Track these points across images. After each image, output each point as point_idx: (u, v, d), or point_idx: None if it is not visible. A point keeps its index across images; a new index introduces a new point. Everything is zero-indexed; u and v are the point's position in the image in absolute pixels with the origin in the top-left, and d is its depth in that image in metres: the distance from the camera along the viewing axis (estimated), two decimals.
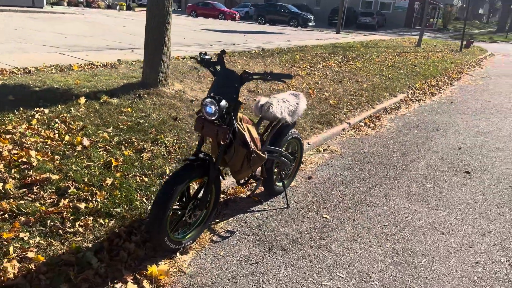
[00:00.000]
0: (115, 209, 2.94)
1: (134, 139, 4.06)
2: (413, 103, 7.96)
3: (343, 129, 5.80)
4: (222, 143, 2.70)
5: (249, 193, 3.64)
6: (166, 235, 2.61)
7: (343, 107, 6.46)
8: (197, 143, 4.16)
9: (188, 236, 2.81)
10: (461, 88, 9.90)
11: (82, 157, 3.55)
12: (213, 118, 2.63)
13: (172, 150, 3.99)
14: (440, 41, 24.20)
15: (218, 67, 2.83)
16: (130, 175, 3.41)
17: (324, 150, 4.97)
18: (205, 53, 2.92)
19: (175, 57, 8.11)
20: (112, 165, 3.48)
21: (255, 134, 3.02)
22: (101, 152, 3.72)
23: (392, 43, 18.11)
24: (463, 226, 3.29)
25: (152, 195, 3.18)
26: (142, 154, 3.80)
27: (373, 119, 6.50)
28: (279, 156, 3.41)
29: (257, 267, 2.66)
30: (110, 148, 3.83)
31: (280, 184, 3.69)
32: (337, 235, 3.07)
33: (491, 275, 2.66)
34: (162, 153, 3.89)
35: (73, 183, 3.13)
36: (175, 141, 4.20)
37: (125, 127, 4.33)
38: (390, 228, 3.21)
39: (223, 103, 2.61)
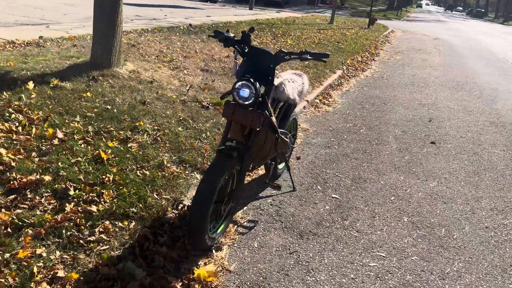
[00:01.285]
0: (131, 209, 2.60)
1: (112, 128, 3.62)
2: (350, 79, 8.30)
3: (304, 107, 5.84)
4: (257, 129, 2.51)
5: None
6: (207, 233, 2.39)
7: None
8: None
9: (219, 230, 2.61)
10: (384, 64, 10.58)
11: (64, 152, 3.06)
12: (247, 102, 2.42)
13: (158, 138, 3.64)
14: (346, 19, 25.53)
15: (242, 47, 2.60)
16: (127, 169, 3.04)
17: (301, 129, 4.95)
18: (228, 31, 2.66)
19: None
20: (104, 159, 3.07)
21: (273, 117, 2.88)
22: (83, 145, 3.25)
23: (307, 20, 18.63)
24: (457, 194, 3.55)
25: (161, 190, 2.87)
26: (129, 145, 3.41)
27: (325, 96, 6.65)
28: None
29: (299, 255, 2.57)
30: (90, 139, 3.37)
31: (280, 166, 3.60)
32: (355, 214, 3.10)
33: (503, 238, 2.92)
34: (149, 142, 3.53)
35: (71, 184, 2.69)
36: (155, 127, 3.84)
37: (93, 114, 3.84)
38: (398, 203, 3.33)
39: (259, 86, 2.42)
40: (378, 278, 2.40)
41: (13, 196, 2.47)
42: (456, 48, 15.50)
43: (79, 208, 2.49)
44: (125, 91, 4.61)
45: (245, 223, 2.88)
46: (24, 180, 2.61)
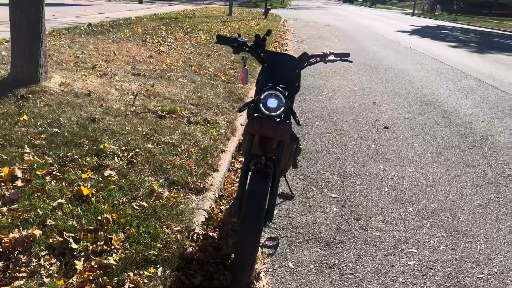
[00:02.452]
0: (150, 252, 2.21)
1: (75, 156, 3.07)
2: None
3: None
4: (286, 141, 2.29)
5: None
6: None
7: (235, 80, 6.28)
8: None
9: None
10: (296, 53, 10.84)
11: (36, 195, 2.49)
12: (276, 113, 2.19)
13: (133, 161, 3.19)
14: (240, 9, 25.67)
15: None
16: (120, 204, 2.59)
17: None
18: (239, 35, 2.37)
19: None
20: (89, 195, 2.57)
21: None
22: (53, 182, 2.69)
23: (205, 13, 18.27)
24: (437, 176, 3.74)
25: (168, 221, 2.50)
26: (105, 173, 2.92)
27: None
28: None
29: (340, 268, 2.45)
30: (58, 174, 2.80)
31: None
32: (364, 212, 3.07)
33: (500, 212, 3.14)
34: (124, 167, 3.07)
35: (67, 234, 2.19)
36: (122, 147, 3.36)
37: (43, 142, 3.24)
38: (394, 193, 3.39)
39: (285, 95, 2.20)
40: (424, 276, 2.38)
41: (2, 264, 1.92)
42: (349, 32, 16.59)
43: (93, 264, 2.03)
44: (65, 109, 3.96)
45: (266, 242, 2.66)
46: (6, 240, 2.04)
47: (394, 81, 7.57)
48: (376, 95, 6.57)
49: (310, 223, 2.89)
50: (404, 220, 2.97)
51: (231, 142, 4.01)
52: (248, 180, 2.24)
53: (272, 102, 2.17)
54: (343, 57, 2.36)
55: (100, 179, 2.83)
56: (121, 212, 2.49)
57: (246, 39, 2.35)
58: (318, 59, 2.31)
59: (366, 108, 5.84)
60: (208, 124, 4.27)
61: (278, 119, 2.22)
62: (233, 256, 2.21)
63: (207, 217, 2.78)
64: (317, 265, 2.46)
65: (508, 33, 22.91)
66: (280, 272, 2.38)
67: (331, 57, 2.31)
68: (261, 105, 2.19)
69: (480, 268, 2.47)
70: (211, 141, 3.85)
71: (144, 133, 3.74)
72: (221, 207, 2.97)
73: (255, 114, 2.24)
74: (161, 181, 2.99)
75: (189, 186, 3.00)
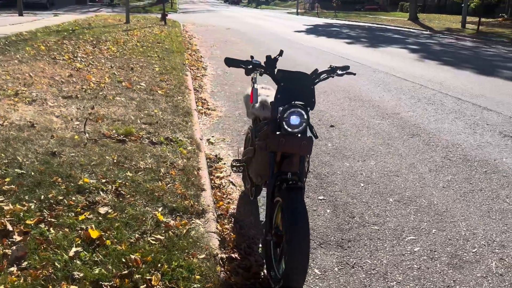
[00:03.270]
0: (194, 286, 2.15)
1: (60, 197, 2.81)
2: (202, 78, 8.30)
3: (200, 116, 5.63)
4: (308, 155, 2.40)
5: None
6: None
7: (173, 93, 6.16)
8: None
9: None
10: (213, 59, 10.89)
11: (42, 247, 2.25)
12: (298, 129, 2.28)
13: (122, 192, 3.01)
14: (133, 16, 24.70)
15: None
16: (135, 241, 2.45)
17: (217, 141, 4.78)
18: (252, 57, 2.40)
19: None
20: (101, 238, 2.39)
21: None
22: (52, 230, 2.43)
23: (101, 23, 17.26)
24: (397, 166, 4.14)
25: (192, 250, 2.45)
26: (100, 211, 2.73)
27: (203, 101, 6.53)
28: None
29: (361, 266, 2.63)
30: (52, 220, 2.54)
31: None
32: (354, 209, 3.30)
33: (461, 191, 3.61)
34: (117, 201, 2.89)
35: (105, 284, 2.02)
36: (102, 180, 3.15)
37: (12, 187, 2.91)
38: (370, 187, 3.68)
39: (307, 111, 2.31)
40: (433, 259, 2.67)
41: None
42: (252, 35, 17.08)
43: None
44: (16, 145, 3.55)
45: None
46: None
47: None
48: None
49: (314, 227, 3.02)
50: (391, 211, 3.26)
51: (201, 158, 3.97)
52: (279, 199, 2.28)
53: (295, 120, 2.24)
54: (346, 70, 2.52)
55: (100, 218, 2.63)
56: (142, 250, 2.36)
57: (259, 61, 2.38)
58: (326, 74, 2.44)
59: None
60: (172, 143, 4.15)
61: (299, 134, 2.31)
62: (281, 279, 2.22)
63: (220, 239, 2.75)
64: (340, 267, 2.60)
65: (385, 26, 25.65)
66: (311, 281, 2.47)
67: (338, 72, 2.46)
68: (284, 123, 2.25)
69: (471, 243, 2.85)
70: (185, 160, 3.77)
71: (115, 161, 3.52)
72: (225, 226, 2.96)
73: (277, 132, 2.30)
74: (160, 210, 2.87)
75: (189, 211, 2.93)
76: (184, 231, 2.64)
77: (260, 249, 2.78)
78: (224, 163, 4.16)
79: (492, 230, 2.99)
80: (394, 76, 8.55)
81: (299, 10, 43.47)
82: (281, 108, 2.28)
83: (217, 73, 8.86)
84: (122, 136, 4.12)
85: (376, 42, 15.59)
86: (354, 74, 2.56)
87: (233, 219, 3.10)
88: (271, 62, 2.37)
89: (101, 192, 2.96)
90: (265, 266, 2.55)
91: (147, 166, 3.51)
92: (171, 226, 2.68)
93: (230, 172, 3.93)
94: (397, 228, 3.03)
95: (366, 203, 3.38)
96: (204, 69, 9.36)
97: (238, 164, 3.17)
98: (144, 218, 2.70)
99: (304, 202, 2.18)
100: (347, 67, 2.53)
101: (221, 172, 3.95)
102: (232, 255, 2.60)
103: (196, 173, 3.56)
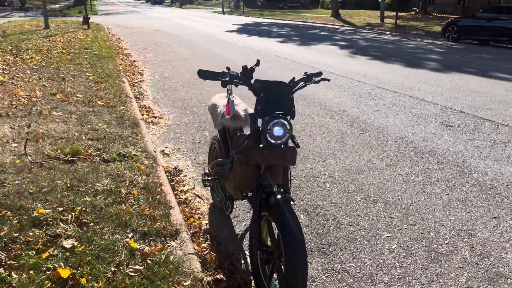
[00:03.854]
0: None
1: (13, 233, 2.49)
2: (141, 84, 7.95)
3: (147, 125, 5.36)
4: (292, 166, 2.34)
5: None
6: None
7: (114, 103, 5.81)
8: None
9: None
10: (148, 63, 10.47)
11: None
12: (281, 141, 2.22)
13: (85, 221, 2.74)
14: (52, 21, 23.04)
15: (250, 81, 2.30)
16: (113, 275, 2.24)
17: (172, 151, 4.58)
18: (228, 68, 2.28)
19: None
20: (74, 276, 2.15)
21: None
22: (13, 274, 2.14)
23: (17, 29, 15.85)
24: (356, 164, 4.23)
25: (176, 277, 2.29)
26: (64, 245, 2.46)
27: (147, 108, 6.24)
28: None
29: (346, 270, 2.63)
30: (10, 261, 2.24)
31: None
32: (326, 211, 3.31)
33: (420, 183, 3.77)
34: (81, 231, 2.63)
35: None
36: (59, 209, 2.86)
37: None
38: (336, 187, 3.71)
39: (290, 120, 2.25)
40: (411, 255, 2.75)
41: None
42: (184, 36, 16.71)
43: None
44: None
45: None
46: None
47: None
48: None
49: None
50: (362, 210, 3.32)
51: (161, 173, 3.76)
52: (266, 213, 2.20)
53: (278, 131, 2.17)
54: (320, 76, 2.49)
55: (67, 253, 2.36)
56: (123, 284, 2.15)
57: (237, 72, 2.27)
58: (303, 82, 2.39)
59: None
60: (126, 159, 3.89)
61: (282, 146, 2.24)
62: None
63: (200, 260, 2.60)
64: (327, 274, 2.58)
65: (311, 24, 26.47)
66: None
67: (314, 78, 2.42)
68: (267, 135, 2.17)
69: (442, 235, 2.97)
70: (144, 177, 3.55)
71: (68, 185, 3.20)
72: (203, 245, 2.81)
73: (260, 145, 2.21)
74: (131, 236, 2.65)
75: (162, 233, 2.75)
76: (163, 257, 2.46)
77: (243, 265, 2.68)
78: (185, 175, 3.98)
79: (458, 219, 3.15)
80: (332, 74, 8.80)
81: (225, 9, 43.43)
82: (262, 120, 2.19)
83: (156, 78, 8.54)
84: (69, 156, 3.78)
85: (307, 40, 16.00)
86: (329, 80, 2.54)
87: (208, 235, 2.96)
88: (247, 72, 2.28)
89: (61, 223, 2.67)
90: (252, 283, 2.46)
91: (105, 187, 3.24)
92: (147, 253, 2.48)
93: (194, 185, 3.78)
94: (371, 227, 3.08)
95: (336, 204, 3.40)
96: (140, 74, 8.97)
97: (210, 178, 3.04)
98: (116, 248, 2.48)
99: (296, 215, 2.11)
100: (320, 73, 2.51)
101: (184, 186, 3.77)
102: (217, 276, 2.47)
103: (159, 190, 3.35)
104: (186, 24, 23.65)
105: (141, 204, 3.06)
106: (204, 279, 2.37)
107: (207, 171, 3.26)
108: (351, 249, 2.82)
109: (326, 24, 26.48)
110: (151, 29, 19.69)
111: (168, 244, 2.65)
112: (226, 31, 19.46)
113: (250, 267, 2.60)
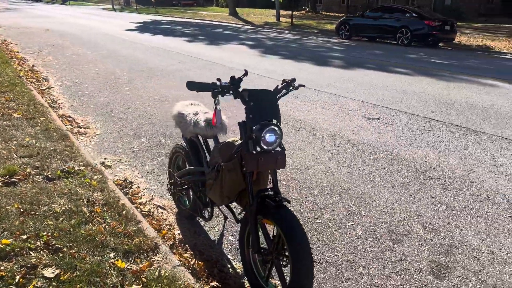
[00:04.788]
0: None
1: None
2: (48, 92, 7.32)
3: (76, 136, 5.02)
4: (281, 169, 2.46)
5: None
6: None
7: (31, 114, 5.32)
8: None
9: None
10: (50, 67, 9.60)
11: None
12: (273, 146, 2.34)
13: (58, 246, 2.56)
14: None
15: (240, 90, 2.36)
16: None
17: (114, 163, 4.37)
18: (219, 80, 2.30)
19: None
20: None
21: None
22: None
23: None
24: (303, 160, 4.48)
25: None
26: (46, 275, 2.29)
27: (68, 118, 5.81)
28: None
29: (327, 261, 2.84)
30: None
31: None
32: (296, 208, 3.49)
33: (364, 172, 4.14)
34: (58, 258, 2.45)
35: None
36: (22, 237, 2.62)
37: None
38: (292, 184, 3.92)
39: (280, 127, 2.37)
40: (377, 239, 3.06)
41: None
42: (82, 36, 15.59)
43: None
44: None
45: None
46: None
47: (182, 82, 7.96)
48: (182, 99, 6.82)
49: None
50: (322, 203, 3.56)
51: (113, 186, 3.61)
52: (260, 217, 2.30)
53: (271, 137, 2.28)
54: (295, 81, 2.64)
55: (54, 283, 2.19)
56: None
57: (227, 82, 2.31)
58: (285, 90, 2.51)
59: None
60: (72, 175, 3.64)
61: (272, 151, 2.35)
62: None
63: (190, 270, 2.60)
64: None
65: (211, 22, 26.56)
66: None
67: (294, 85, 2.55)
68: (261, 141, 2.26)
69: (396, 218, 3.34)
70: (100, 192, 3.37)
71: (21, 210, 2.92)
72: (185, 255, 2.80)
73: (253, 152, 2.29)
74: (113, 255, 2.54)
75: (143, 249, 2.68)
76: (156, 272, 2.41)
77: (230, 270, 2.73)
78: (138, 187, 3.85)
79: (404, 203, 3.57)
80: (253, 74, 9.04)
81: (115, 6, 41.35)
82: (253, 127, 2.27)
83: (65, 84, 7.93)
84: (6, 178, 3.41)
85: (214, 39, 16.08)
86: (304, 86, 2.69)
87: (187, 245, 2.94)
88: (236, 82, 2.33)
89: (31, 252, 2.45)
90: (246, 285, 2.54)
91: (64, 208, 3.02)
92: (137, 271, 2.41)
93: (152, 196, 3.68)
94: (334, 217, 3.33)
95: (298, 200, 3.60)
96: (45, 80, 8.24)
97: (183, 188, 3.02)
98: (104, 270, 2.36)
99: (295, 215, 2.24)
100: (295, 80, 2.65)
101: (141, 198, 3.65)
102: (213, 284, 2.49)
103: (121, 205, 3.22)
104: (80, 23, 22.05)
105: (110, 221, 2.92)
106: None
107: (173, 180, 3.22)
108: (324, 240, 3.03)
109: (226, 22, 26.81)
110: (41, 28, 18.00)
111: (153, 259, 2.59)
112: (127, 30, 18.63)
113: (238, 271, 2.67)
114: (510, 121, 5.87)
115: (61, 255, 2.46)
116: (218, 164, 2.56)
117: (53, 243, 2.55)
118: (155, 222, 3.22)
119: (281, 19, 28.65)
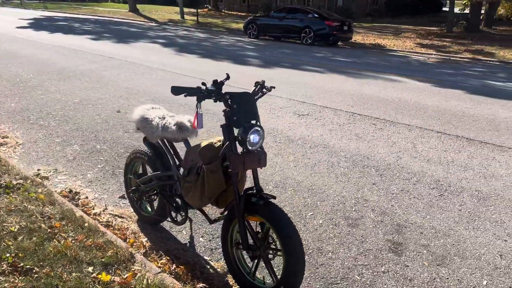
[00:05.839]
0: None
1: None
2: None
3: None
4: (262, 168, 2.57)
5: None
6: None
7: None
8: None
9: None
10: None
11: None
12: (256, 147, 2.45)
13: (28, 266, 2.37)
14: None
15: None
16: None
17: (49, 173, 4.07)
18: (204, 84, 2.32)
19: None
20: None
21: None
22: None
23: None
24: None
25: None
26: None
27: None
28: None
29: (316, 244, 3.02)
30: None
31: None
32: None
33: (308, 164, 4.41)
34: (30, 279, 2.29)
35: None
36: None
37: None
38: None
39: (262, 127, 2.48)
40: (337, 225, 3.33)
41: None
42: None
43: None
44: None
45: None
46: None
47: (100, 84, 7.55)
48: (115, 102, 6.51)
49: None
50: (279, 197, 3.72)
51: (61, 199, 3.39)
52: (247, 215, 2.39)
53: (255, 138, 2.38)
54: (264, 83, 2.75)
55: None
56: None
57: (212, 86, 2.35)
58: (260, 93, 2.61)
59: (113, 117, 5.81)
60: (11, 190, 3.34)
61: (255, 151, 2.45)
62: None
63: (173, 276, 2.59)
64: None
65: (111, 19, 25.25)
66: None
67: (267, 86, 2.66)
68: (247, 143, 2.35)
69: (348, 204, 3.64)
70: (51, 206, 3.16)
71: None
72: (162, 261, 2.77)
73: (238, 152, 2.37)
74: (91, 269, 2.43)
75: (120, 260, 2.59)
76: (144, 281, 2.36)
77: (211, 270, 2.77)
78: (86, 197, 3.66)
79: (351, 190, 3.90)
80: (173, 73, 8.90)
81: None
82: (239, 129, 2.35)
83: None
84: None
85: (121, 37, 15.38)
86: (274, 87, 2.81)
87: (160, 251, 2.90)
88: (219, 86, 2.38)
89: (0, 277, 2.22)
90: (231, 283, 2.61)
91: (19, 226, 2.77)
92: (124, 282, 2.34)
93: (106, 205, 3.53)
94: (294, 209, 3.53)
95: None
96: None
97: (151, 194, 2.98)
98: (90, 286, 2.24)
99: (283, 210, 2.37)
100: (264, 81, 2.76)
101: (93, 208, 3.47)
102: (200, 285, 2.52)
103: (79, 217, 3.05)
104: None
105: (74, 235, 2.76)
106: None
107: (134, 187, 3.15)
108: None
109: (127, 19, 25.74)
110: None
111: (132, 269, 2.52)
112: (19, 27, 16.91)
113: (219, 270, 2.73)
114: (419, 111, 6.68)
115: (36, 275, 2.28)
116: (199, 167, 2.57)
117: (21, 265, 2.35)
118: (118, 232, 3.10)
119: (186, 16, 28.34)
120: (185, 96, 2.28)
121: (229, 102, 2.35)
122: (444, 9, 39.76)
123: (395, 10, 36.06)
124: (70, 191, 3.70)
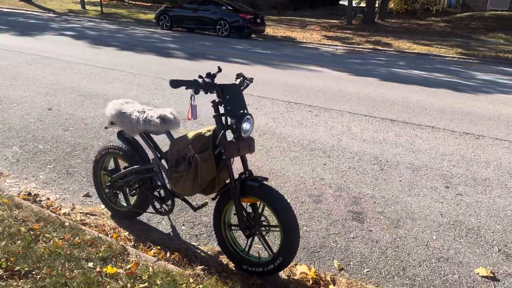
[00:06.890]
0: None
1: None
2: None
3: None
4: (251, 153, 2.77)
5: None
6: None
7: None
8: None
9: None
10: None
11: None
12: (247, 134, 2.65)
13: (26, 268, 2.32)
14: None
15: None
16: None
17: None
18: (201, 76, 2.44)
19: None
20: None
21: None
22: None
23: None
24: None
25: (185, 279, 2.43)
26: None
27: None
28: None
29: None
30: None
31: None
32: None
33: (277, 156, 4.68)
34: (34, 279, 2.26)
35: None
36: None
37: None
38: None
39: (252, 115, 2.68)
40: (303, 203, 3.66)
41: None
42: None
43: None
44: None
45: None
46: None
47: (17, 81, 6.98)
48: (42, 99, 6.09)
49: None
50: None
51: (26, 202, 3.26)
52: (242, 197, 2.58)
53: (247, 126, 2.59)
54: (243, 75, 2.93)
55: None
56: None
57: (209, 79, 2.47)
58: (246, 84, 2.78)
59: (45, 115, 5.50)
60: None
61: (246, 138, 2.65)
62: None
63: (171, 262, 2.70)
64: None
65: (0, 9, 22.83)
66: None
67: (248, 78, 2.84)
68: (241, 129, 2.54)
69: (307, 184, 3.98)
70: (18, 209, 3.03)
71: None
72: (154, 251, 2.84)
73: (230, 140, 2.55)
74: (91, 265, 2.44)
75: (116, 253, 2.63)
76: (150, 269, 2.44)
77: (202, 254, 2.91)
78: (48, 198, 3.52)
79: (306, 171, 4.25)
80: (97, 67, 8.50)
81: None
82: (232, 119, 2.52)
83: None
84: None
85: (23, 29, 14.06)
86: (253, 79, 2.99)
87: (147, 242, 2.96)
88: (212, 78, 2.52)
89: (0, 282, 2.14)
90: (225, 262, 2.79)
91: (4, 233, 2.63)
92: (130, 273, 2.40)
93: (73, 204, 3.45)
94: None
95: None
96: None
97: (135, 187, 3.01)
98: (99, 280, 2.27)
99: (276, 190, 2.60)
100: (242, 73, 2.94)
101: (60, 209, 3.37)
102: (200, 267, 2.65)
103: (55, 217, 2.97)
104: None
105: (58, 235, 2.70)
106: (196, 271, 2.53)
107: (109, 183, 3.15)
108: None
109: (20, 9, 23.47)
110: None
111: (130, 259, 2.58)
112: None
113: (209, 253, 2.89)
114: (344, 98, 7.31)
115: (38, 276, 2.23)
116: (190, 156, 2.68)
117: (16, 268, 2.27)
118: (96, 229, 3.07)
119: (87, 7, 26.66)
120: (186, 88, 2.39)
121: (222, 94, 2.51)
122: (341, 2, 42.58)
123: (296, 3, 37.80)
124: (29, 193, 3.52)
